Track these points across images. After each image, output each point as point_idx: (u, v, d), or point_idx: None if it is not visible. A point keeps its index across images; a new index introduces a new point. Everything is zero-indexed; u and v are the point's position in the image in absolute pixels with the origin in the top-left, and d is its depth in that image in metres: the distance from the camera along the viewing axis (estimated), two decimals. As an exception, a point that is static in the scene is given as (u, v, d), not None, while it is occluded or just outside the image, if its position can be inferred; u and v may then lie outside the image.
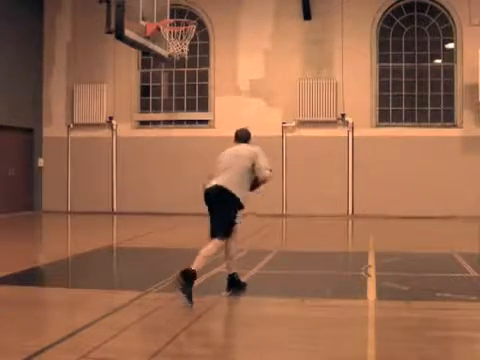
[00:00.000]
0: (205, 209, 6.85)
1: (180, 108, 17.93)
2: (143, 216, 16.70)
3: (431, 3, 16.84)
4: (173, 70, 17.77)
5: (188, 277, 6.29)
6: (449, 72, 16.79)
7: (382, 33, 17.04)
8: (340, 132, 16.91)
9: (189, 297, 6.18)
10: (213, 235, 6.63)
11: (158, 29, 11.57)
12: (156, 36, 11.62)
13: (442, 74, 16.84)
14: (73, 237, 13.42)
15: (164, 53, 12.10)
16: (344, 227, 15.65)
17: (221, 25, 17.44)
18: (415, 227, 14.51)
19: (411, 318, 5.88)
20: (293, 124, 17.10)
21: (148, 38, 11.39)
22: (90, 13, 16.70)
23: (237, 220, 6.77)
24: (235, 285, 6.96)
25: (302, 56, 17.13)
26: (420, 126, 16.81)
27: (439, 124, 16.80)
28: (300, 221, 15.92)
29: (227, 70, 17.36)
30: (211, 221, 6.74)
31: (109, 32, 10.53)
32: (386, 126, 16.94)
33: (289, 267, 8.90)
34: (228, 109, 17.10)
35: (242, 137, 7.16)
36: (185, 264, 8.56)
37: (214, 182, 6.76)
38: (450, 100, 16.77)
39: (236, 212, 6.74)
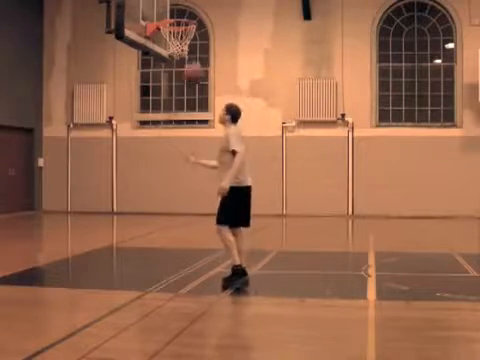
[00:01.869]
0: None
1: (180, 108, 17.93)
2: (143, 216, 16.70)
3: (431, 3, 16.84)
4: (173, 70, 17.78)
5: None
6: (449, 72, 16.79)
7: (382, 33, 17.04)
8: (340, 132, 16.91)
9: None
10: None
11: (158, 29, 11.57)
12: (156, 36, 11.61)
13: (442, 74, 16.85)
14: (73, 237, 13.42)
15: (164, 53, 12.10)
16: (344, 227, 15.64)
17: (221, 25, 17.44)
18: (415, 227, 14.51)
19: (411, 318, 5.88)
20: (293, 124, 17.10)
21: (148, 38, 11.38)
22: (90, 13, 16.71)
23: None
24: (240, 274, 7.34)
25: (302, 56, 17.13)
26: (420, 126, 16.81)
27: (439, 124, 16.80)
28: (300, 221, 15.92)
29: (227, 70, 17.36)
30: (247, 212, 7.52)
31: (109, 32, 10.53)
32: (386, 126, 16.94)
33: (289, 267, 8.89)
34: (228, 109, 17.05)
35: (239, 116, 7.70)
36: (185, 264, 8.57)
37: (249, 178, 7.50)
38: (450, 100, 16.77)
39: None
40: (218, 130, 16.68)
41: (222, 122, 7.62)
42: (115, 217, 17.26)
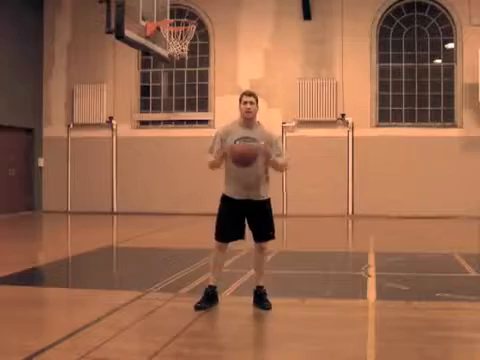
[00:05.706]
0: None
1: (180, 108, 17.93)
2: (143, 216, 16.70)
3: (431, 3, 16.84)
4: (173, 70, 17.78)
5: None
6: (449, 72, 16.79)
7: (382, 33, 17.04)
8: (340, 132, 16.91)
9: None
10: None
11: (158, 29, 11.57)
12: (156, 36, 11.62)
13: (442, 74, 16.85)
14: (73, 237, 13.42)
15: (164, 53, 12.10)
16: (344, 227, 15.64)
17: (221, 25, 17.44)
18: (415, 227, 14.51)
19: (411, 318, 5.88)
20: (293, 124, 17.10)
21: (148, 38, 11.38)
22: (90, 13, 16.72)
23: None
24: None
25: (302, 56, 17.13)
26: (420, 126, 16.81)
27: (439, 124, 16.80)
28: (300, 221, 15.92)
29: (227, 70, 17.36)
30: None
31: (109, 32, 10.53)
32: (386, 126, 16.94)
33: (289, 267, 8.89)
34: (228, 109, 16.95)
35: None
36: (185, 264, 8.57)
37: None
38: (450, 100, 16.77)
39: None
40: (218, 130, 16.78)
41: (253, 120, 6.26)
42: (115, 217, 17.26)
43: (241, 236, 6.25)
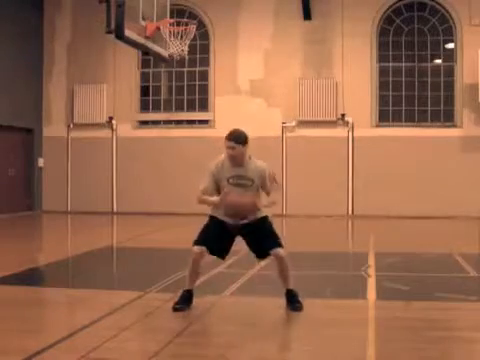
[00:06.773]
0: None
1: (180, 108, 17.93)
2: (143, 216, 16.70)
3: (431, 3, 16.85)
4: (173, 70, 17.78)
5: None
6: (449, 72, 16.79)
7: (382, 33, 17.05)
8: (340, 132, 16.91)
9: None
10: None
11: (158, 29, 11.58)
12: (156, 36, 11.62)
13: (442, 74, 16.85)
14: (73, 237, 13.42)
15: (164, 53, 12.11)
16: (344, 227, 15.64)
17: (221, 25, 17.44)
18: (415, 227, 14.51)
19: (411, 318, 5.88)
20: (293, 124, 17.11)
21: (148, 38, 11.39)
22: (90, 13, 16.72)
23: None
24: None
25: (302, 56, 17.14)
26: (420, 126, 16.82)
27: (439, 124, 16.81)
28: (300, 221, 15.92)
29: (227, 70, 17.37)
30: None
31: (109, 32, 10.54)
32: (386, 126, 16.95)
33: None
34: (228, 109, 17.10)
35: None
36: (185, 264, 8.56)
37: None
38: (450, 100, 16.78)
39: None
40: (218, 130, 16.79)
41: (242, 159, 5.93)
42: (115, 217, 17.26)
43: (222, 254, 6.12)
